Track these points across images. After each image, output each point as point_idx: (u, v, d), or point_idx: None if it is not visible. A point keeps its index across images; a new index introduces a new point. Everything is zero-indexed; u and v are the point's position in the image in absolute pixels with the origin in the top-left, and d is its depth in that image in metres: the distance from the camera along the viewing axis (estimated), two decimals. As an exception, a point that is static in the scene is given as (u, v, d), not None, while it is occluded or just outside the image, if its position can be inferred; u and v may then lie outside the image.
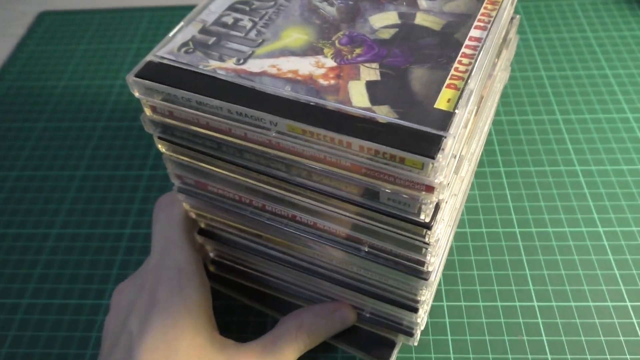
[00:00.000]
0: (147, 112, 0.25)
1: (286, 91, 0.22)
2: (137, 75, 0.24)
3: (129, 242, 0.41)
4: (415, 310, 0.29)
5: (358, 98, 0.22)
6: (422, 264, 0.25)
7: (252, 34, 0.26)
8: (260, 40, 0.25)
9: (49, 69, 0.57)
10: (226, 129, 0.24)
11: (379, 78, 0.23)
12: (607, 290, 0.36)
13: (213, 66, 0.24)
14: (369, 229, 0.25)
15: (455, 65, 0.23)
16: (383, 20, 0.26)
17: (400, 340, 0.32)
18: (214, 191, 0.29)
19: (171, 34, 0.26)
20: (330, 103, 0.22)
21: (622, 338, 0.33)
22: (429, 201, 0.21)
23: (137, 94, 0.25)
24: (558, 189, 0.42)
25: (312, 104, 0.22)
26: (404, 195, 0.22)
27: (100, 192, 0.45)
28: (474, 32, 0.25)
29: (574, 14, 0.57)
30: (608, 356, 0.33)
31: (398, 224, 0.24)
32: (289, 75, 0.23)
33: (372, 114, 0.21)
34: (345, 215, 0.25)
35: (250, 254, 0.32)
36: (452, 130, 0.20)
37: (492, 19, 0.26)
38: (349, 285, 0.30)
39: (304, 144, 0.22)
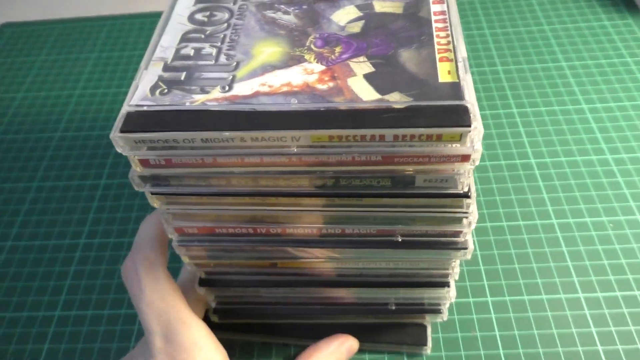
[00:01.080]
0: (138, 168, 0.23)
1: (293, 104, 0.21)
2: (122, 130, 0.21)
3: (82, 252, 0.41)
4: (447, 284, 0.29)
5: (365, 93, 0.21)
6: (459, 234, 0.25)
7: (223, 59, 0.24)
8: (235, 63, 0.24)
9: (8, 81, 0.56)
10: (238, 160, 0.22)
11: (373, 69, 0.22)
12: (560, 282, 0.36)
13: (200, 100, 0.22)
14: (403, 217, 0.25)
15: (436, 40, 0.23)
16: (346, 16, 0.26)
17: (429, 320, 0.33)
18: (223, 232, 0.27)
19: (135, 81, 0.24)
20: (342, 104, 0.21)
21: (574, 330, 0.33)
22: (464, 171, 0.22)
23: (125, 151, 0.22)
24: (513, 182, 0.42)
25: (325, 109, 0.21)
26: (440, 174, 0.22)
27: (55, 203, 0.44)
28: (435, 7, 0.26)
29: (530, 7, 0.58)
30: (560, 348, 0.33)
31: (436, 203, 0.24)
32: (284, 89, 0.22)
33: (388, 102, 0.21)
34: (378, 211, 0.25)
35: (265, 286, 0.31)
36: (468, 97, 0.21)
37: None
38: (375, 284, 0.30)
39: (330, 151, 0.21)
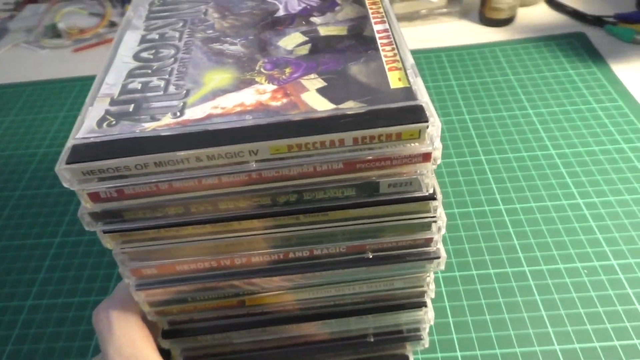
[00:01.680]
0: (87, 204, 0.22)
1: (248, 120, 0.21)
2: (68, 162, 0.20)
3: (28, 315, 0.38)
4: (424, 304, 0.28)
5: (320, 104, 0.21)
6: (430, 242, 0.25)
7: (172, 89, 0.24)
8: (185, 91, 0.23)
9: (-28, 142, 0.56)
10: (195, 183, 0.21)
11: (325, 84, 0.22)
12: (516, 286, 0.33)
13: (151, 127, 0.21)
14: (371, 229, 0.24)
15: (383, 53, 0.24)
16: (292, 41, 0.26)
17: (410, 350, 0.31)
18: (185, 269, 0.25)
19: (80, 116, 0.23)
20: (298, 115, 0.21)
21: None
22: (427, 171, 0.22)
23: (72, 185, 0.21)
24: (481, 229, 0.40)
25: (282, 121, 0.21)
26: (404, 177, 0.22)
27: (6, 264, 0.42)
28: (377, 27, 0.26)
29: (495, 58, 0.58)
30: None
31: (403, 209, 0.23)
32: (238, 109, 0.22)
33: (344, 110, 0.21)
34: (344, 225, 0.24)
35: (235, 329, 0.29)
36: (422, 97, 0.21)
37: (383, 14, 0.27)
38: (351, 313, 0.28)
39: (291, 163, 0.21)
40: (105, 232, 0.23)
